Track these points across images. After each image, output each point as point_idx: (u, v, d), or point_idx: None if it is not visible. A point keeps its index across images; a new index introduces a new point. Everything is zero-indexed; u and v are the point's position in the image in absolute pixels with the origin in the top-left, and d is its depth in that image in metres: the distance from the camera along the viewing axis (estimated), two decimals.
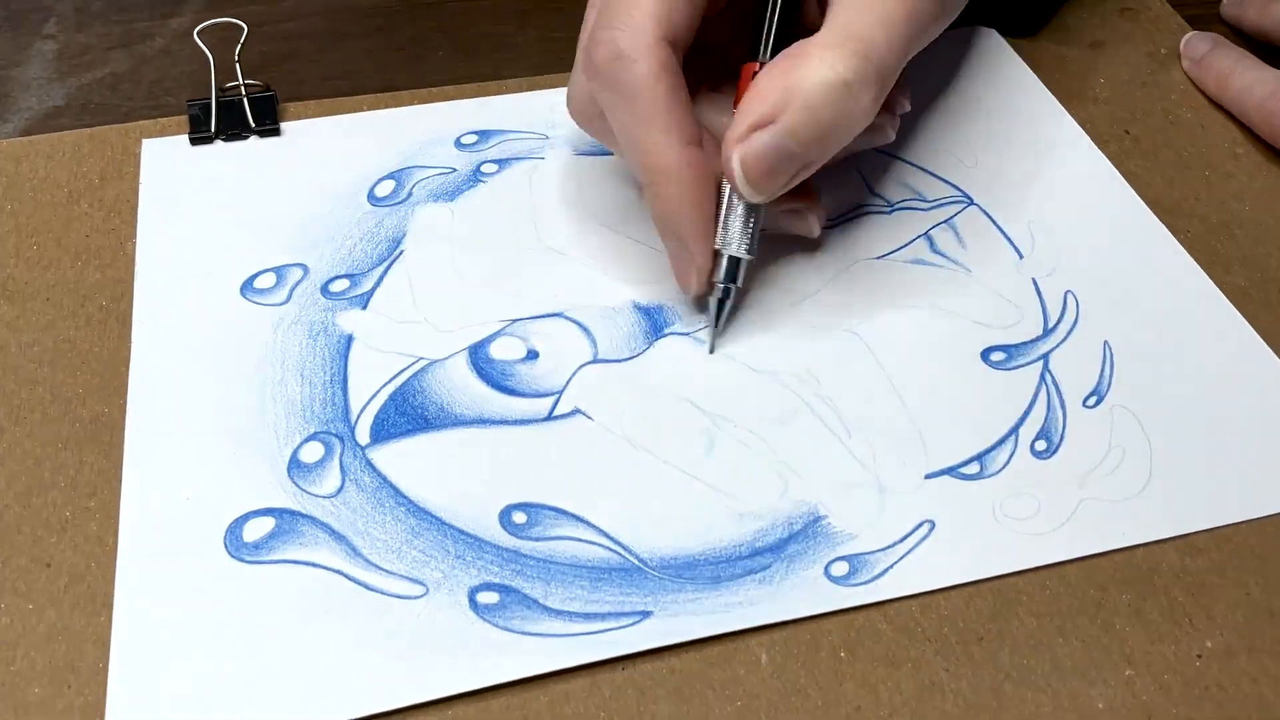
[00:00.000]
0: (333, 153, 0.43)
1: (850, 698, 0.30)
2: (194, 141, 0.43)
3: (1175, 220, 0.42)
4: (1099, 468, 0.35)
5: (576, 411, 0.35)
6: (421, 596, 0.31)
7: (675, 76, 0.34)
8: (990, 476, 0.34)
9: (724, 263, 0.36)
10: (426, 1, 0.50)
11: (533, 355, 0.37)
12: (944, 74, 0.47)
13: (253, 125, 0.43)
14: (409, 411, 0.35)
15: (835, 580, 0.32)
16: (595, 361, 0.37)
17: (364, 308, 0.38)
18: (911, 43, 0.35)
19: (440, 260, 0.40)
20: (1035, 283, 0.40)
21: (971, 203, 0.42)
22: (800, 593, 0.32)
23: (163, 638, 0.30)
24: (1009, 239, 0.41)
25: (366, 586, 0.31)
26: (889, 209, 0.42)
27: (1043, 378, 0.37)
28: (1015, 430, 0.35)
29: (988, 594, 0.32)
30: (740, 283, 0.37)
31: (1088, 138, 0.45)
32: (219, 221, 0.40)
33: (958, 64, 0.48)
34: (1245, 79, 0.45)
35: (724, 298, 0.37)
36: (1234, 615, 0.32)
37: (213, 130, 0.43)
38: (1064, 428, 0.36)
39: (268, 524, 0.32)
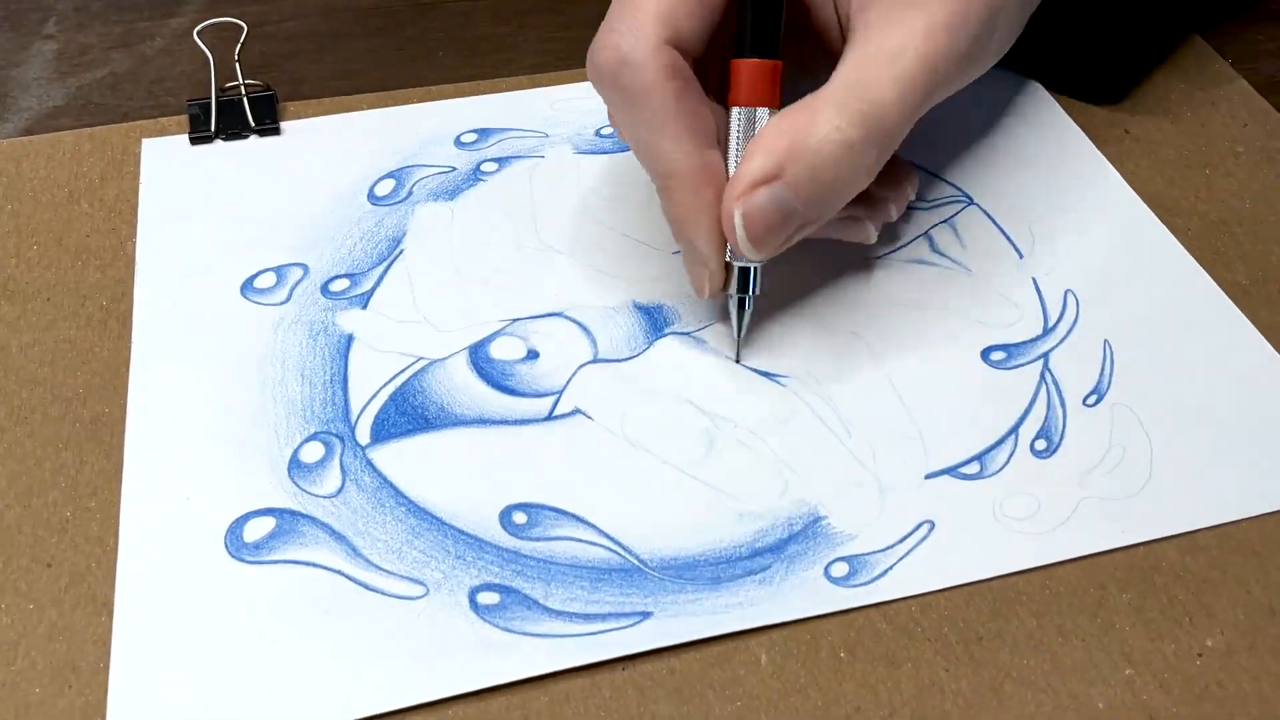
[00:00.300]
0: (333, 152, 0.43)
1: (850, 698, 0.30)
2: (194, 141, 0.43)
3: (1175, 218, 0.42)
4: (1099, 467, 0.35)
5: (576, 411, 0.35)
6: (422, 597, 0.31)
7: (683, 80, 0.34)
8: (990, 476, 0.34)
9: (735, 273, 0.35)
10: (426, 1, 0.50)
11: (533, 355, 0.37)
12: None
13: (252, 125, 0.43)
14: (409, 411, 0.35)
15: (835, 581, 0.32)
16: (595, 361, 0.37)
17: (364, 307, 0.38)
18: (925, 102, 0.34)
19: (440, 259, 0.40)
20: (1035, 282, 0.40)
21: (971, 202, 0.42)
22: (800, 593, 0.32)
23: (163, 638, 0.30)
24: (1009, 238, 0.41)
25: (367, 587, 0.31)
26: None
27: (1043, 377, 0.37)
28: (1015, 430, 0.35)
29: (987, 594, 0.32)
30: (758, 290, 0.36)
31: (1087, 137, 0.45)
32: (219, 221, 0.40)
33: None
34: None
35: (741, 306, 0.36)
36: (1234, 614, 0.32)
37: (213, 130, 0.43)
38: (1064, 427, 0.36)
39: (268, 524, 0.32)
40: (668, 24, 0.33)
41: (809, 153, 0.32)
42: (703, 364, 0.37)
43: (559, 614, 0.31)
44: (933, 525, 0.33)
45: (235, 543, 0.32)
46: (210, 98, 0.44)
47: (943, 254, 0.40)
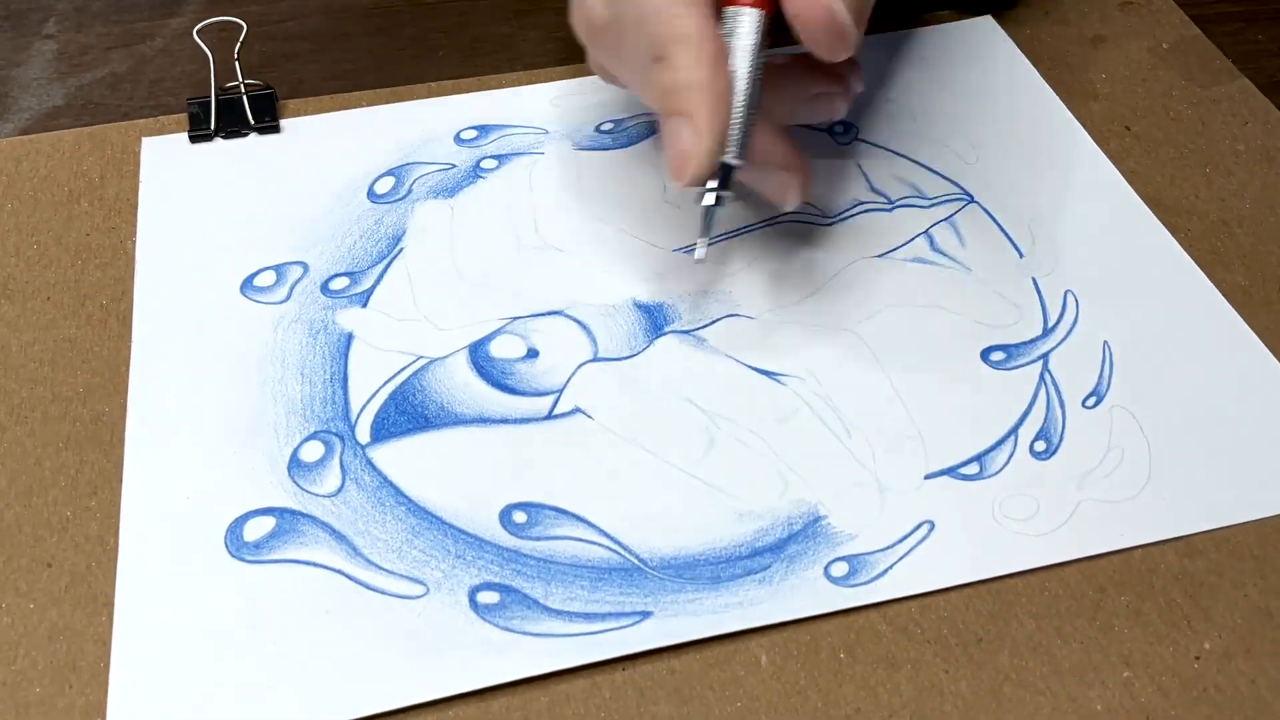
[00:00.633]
0: (332, 150, 0.43)
1: (850, 699, 0.30)
2: (194, 139, 0.43)
3: (1175, 218, 0.42)
4: (1098, 468, 0.35)
5: (576, 410, 0.35)
6: (422, 596, 0.31)
7: None
8: (990, 477, 0.34)
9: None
10: (427, 1, 0.50)
11: (533, 354, 0.37)
12: (944, 70, 0.47)
13: (252, 123, 0.43)
14: (409, 410, 0.35)
15: (835, 581, 0.32)
16: (595, 360, 0.37)
17: (364, 305, 0.38)
18: None
19: (440, 257, 0.40)
20: (1035, 282, 0.40)
21: (972, 200, 0.42)
22: (800, 593, 0.32)
23: (163, 637, 0.30)
24: (1009, 237, 0.41)
25: (367, 586, 0.31)
26: (889, 206, 0.42)
27: (1042, 378, 0.37)
28: (1015, 431, 0.36)
29: (987, 595, 0.32)
30: (730, 192, 0.34)
31: (1088, 135, 0.45)
32: (219, 219, 0.40)
33: (958, 60, 0.48)
34: None
35: (716, 203, 0.34)
36: (1232, 617, 0.32)
37: (212, 128, 0.43)
38: (1063, 428, 0.36)
39: (268, 523, 0.32)
40: None
41: None
42: (703, 363, 0.37)
43: (559, 613, 0.31)
44: (932, 525, 0.33)
45: (235, 542, 0.32)
46: (210, 96, 0.43)
47: (943, 253, 0.40)
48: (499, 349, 0.37)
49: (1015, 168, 0.44)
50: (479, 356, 0.37)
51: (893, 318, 0.38)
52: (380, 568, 0.32)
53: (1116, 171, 0.44)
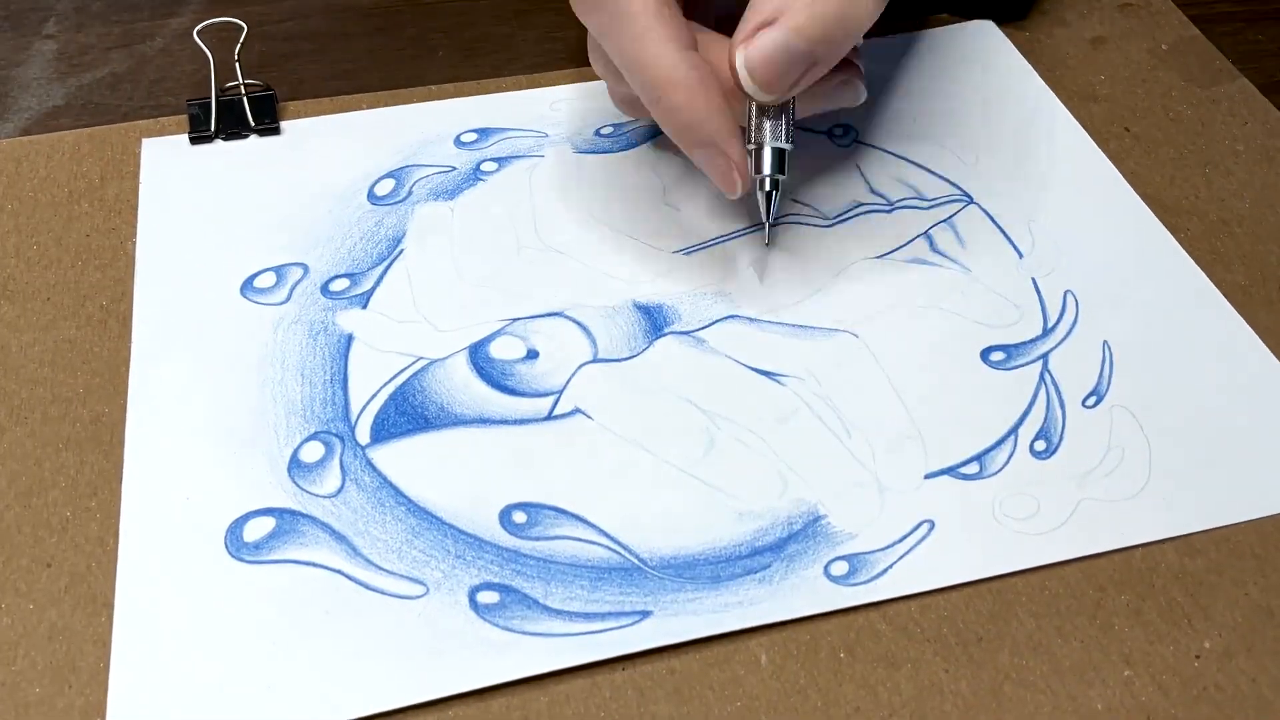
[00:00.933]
0: (332, 151, 0.43)
1: (850, 698, 0.30)
2: (194, 141, 0.43)
3: (1175, 218, 0.42)
4: (1098, 468, 0.35)
5: (576, 411, 0.35)
6: (422, 596, 0.31)
7: None
8: (990, 476, 0.34)
9: (768, 154, 0.36)
10: (426, 1, 0.50)
11: (533, 355, 0.37)
12: (944, 71, 0.47)
13: (252, 124, 0.43)
14: (409, 411, 0.35)
15: (835, 580, 0.32)
16: (595, 361, 0.37)
17: (364, 307, 0.38)
18: None
19: (440, 259, 0.40)
20: (1035, 282, 0.40)
21: (971, 201, 0.42)
22: (800, 592, 0.32)
23: (163, 638, 0.30)
24: (1009, 238, 0.41)
25: (367, 586, 0.31)
26: (889, 207, 0.42)
27: (1042, 378, 0.37)
28: (1015, 430, 0.35)
29: (987, 594, 0.32)
30: (784, 172, 0.37)
31: (1088, 135, 0.45)
32: (219, 221, 0.40)
33: (958, 61, 0.48)
34: None
35: (774, 189, 0.37)
36: (1233, 616, 0.32)
37: (213, 129, 0.43)
38: (1063, 428, 0.36)
39: (268, 524, 0.32)
40: None
41: None
42: (703, 364, 0.37)
43: (559, 613, 0.31)
44: (932, 525, 0.33)
45: (235, 542, 0.32)
46: (210, 97, 0.44)
47: (943, 254, 0.40)
48: (499, 350, 0.37)
49: (1015, 169, 0.44)
50: (479, 357, 0.37)
51: (892, 318, 0.38)
52: (380, 568, 0.32)
53: (1116, 172, 0.44)
